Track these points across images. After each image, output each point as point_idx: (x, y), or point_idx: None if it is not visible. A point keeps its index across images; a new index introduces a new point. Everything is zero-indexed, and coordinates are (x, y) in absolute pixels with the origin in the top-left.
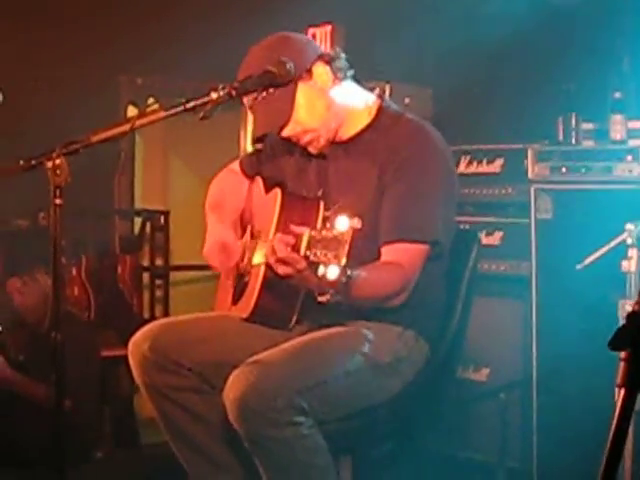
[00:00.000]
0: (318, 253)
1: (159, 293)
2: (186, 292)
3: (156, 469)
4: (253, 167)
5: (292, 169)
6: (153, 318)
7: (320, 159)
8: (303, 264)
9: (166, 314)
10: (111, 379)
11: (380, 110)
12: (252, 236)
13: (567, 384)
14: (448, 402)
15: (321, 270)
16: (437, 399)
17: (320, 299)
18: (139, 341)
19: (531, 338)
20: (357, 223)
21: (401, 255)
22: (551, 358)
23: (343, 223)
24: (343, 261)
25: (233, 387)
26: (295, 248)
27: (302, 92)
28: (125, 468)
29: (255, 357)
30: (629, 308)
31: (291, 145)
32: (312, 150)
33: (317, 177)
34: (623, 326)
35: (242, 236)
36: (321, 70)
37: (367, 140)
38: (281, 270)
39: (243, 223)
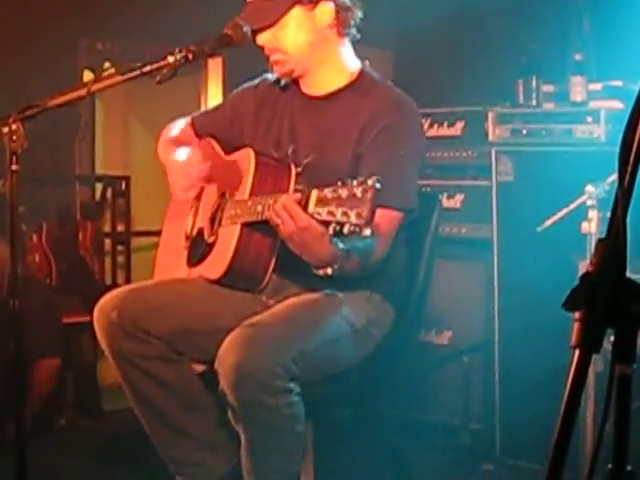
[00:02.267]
0: (333, 210)
1: (121, 259)
2: (148, 257)
3: (119, 436)
4: (207, 126)
5: (257, 126)
6: (115, 284)
7: (291, 115)
8: (305, 221)
9: (128, 280)
10: (74, 346)
11: (361, 73)
12: (212, 197)
13: (529, 346)
14: (411, 365)
15: (332, 229)
16: (401, 362)
17: (319, 272)
18: (106, 308)
19: (493, 301)
20: (376, 183)
21: (380, 221)
22: (513, 320)
23: (359, 181)
24: (366, 217)
25: (230, 353)
26: (302, 206)
27: (296, 17)
28: (88, 435)
29: (248, 321)
30: None
31: (259, 101)
32: (275, 71)
33: (288, 133)
34: (577, 287)
35: (197, 196)
36: (326, 9)
37: (345, 99)
38: (282, 229)
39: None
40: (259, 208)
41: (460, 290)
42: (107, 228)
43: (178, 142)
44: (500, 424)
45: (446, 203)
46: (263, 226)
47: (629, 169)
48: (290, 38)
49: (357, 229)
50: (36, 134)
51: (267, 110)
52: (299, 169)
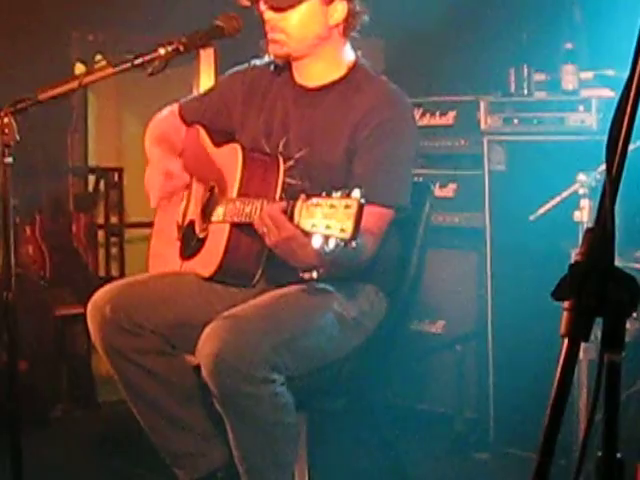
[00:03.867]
0: (317, 222)
1: (114, 251)
2: (141, 249)
3: (113, 427)
4: (195, 114)
5: (246, 114)
6: (109, 276)
7: (284, 105)
8: (291, 231)
9: (122, 271)
10: (67, 337)
11: (355, 66)
12: (202, 189)
13: (522, 334)
14: (404, 355)
15: (317, 242)
16: (394, 351)
17: (304, 276)
18: (99, 303)
19: (486, 289)
20: (360, 196)
21: (371, 220)
22: (506, 309)
23: (343, 193)
24: (351, 234)
25: (208, 342)
26: (288, 216)
27: (311, 5)
28: (82, 426)
29: (228, 312)
30: None
31: (249, 87)
32: (270, 50)
33: (280, 124)
34: (565, 276)
35: (188, 185)
36: (340, 8)
37: (339, 92)
38: (267, 237)
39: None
40: (247, 210)
41: (453, 279)
42: (100, 220)
43: (164, 140)
44: (494, 412)
45: (439, 192)
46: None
47: (617, 159)
48: (298, 23)
49: (342, 243)
50: (28, 126)
51: (257, 97)
52: (291, 162)
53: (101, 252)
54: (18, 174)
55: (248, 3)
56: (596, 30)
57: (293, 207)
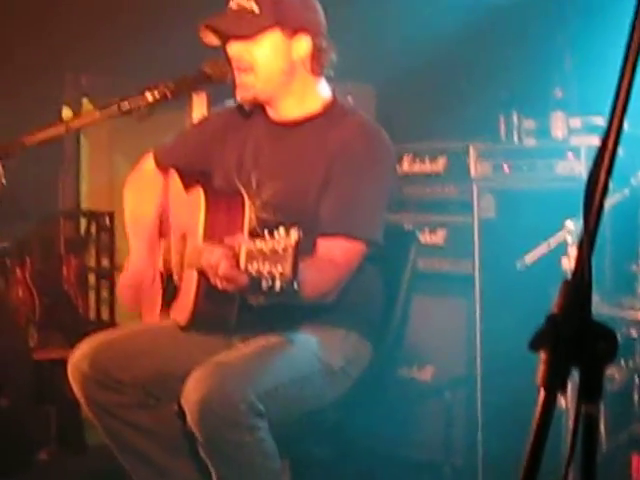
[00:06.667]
0: (260, 267)
1: (105, 294)
2: None
3: (102, 470)
4: (171, 156)
5: (222, 150)
6: (99, 319)
7: (256, 138)
8: (245, 280)
9: (112, 315)
10: (56, 380)
11: (334, 102)
12: (178, 237)
13: (511, 381)
14: (392, 401)
15: (265, 284)
16: (380, 398)
17: (252, 301)
18: (78, 361)
19: (475, 336)
20: (298, 233)
21: (337, 251)
22: (495, 356)
23: (283, 234)
24: (289, 276)
25: (194, 389)
26: (234, 261)
27: (274, 39)
28: (71, 470)
29: (215, 359)
30: None
31: (223, 125)
32: (238, 94)
33: (252, 158)
34: (541, 327)
35: (166, 235)
36: (303, 42)
37: (314, 127)
38: (222, 286)
39: (164, 223)
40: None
41: (442, 326)
42: (91, 263)
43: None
44: (483, 460)
45: (428, 239)
46: None
47: (594, 210)
48: (264, 58)
49: (286, 286)
50: (20, 168)
51: (230, 133)
52: (263, 197)
53: (92, 295)
54: (9, 216)
55: (217, 42)
56: (586, 77)
57: (239, 253)
